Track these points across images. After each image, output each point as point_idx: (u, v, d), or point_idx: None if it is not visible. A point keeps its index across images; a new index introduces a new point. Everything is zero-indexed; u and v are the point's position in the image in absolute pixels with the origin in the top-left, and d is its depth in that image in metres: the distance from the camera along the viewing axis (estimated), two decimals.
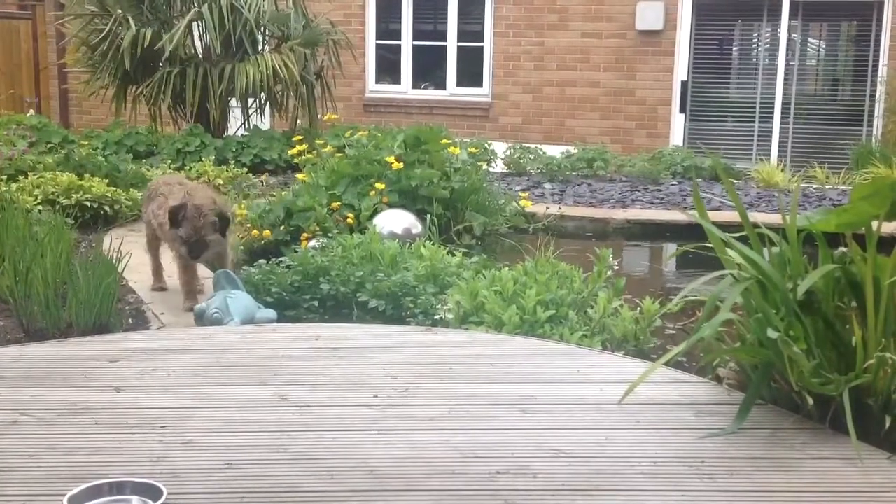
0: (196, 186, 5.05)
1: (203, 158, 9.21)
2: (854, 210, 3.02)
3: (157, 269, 5.16)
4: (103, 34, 10.10)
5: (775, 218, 6.62)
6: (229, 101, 10.59)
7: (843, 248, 3.10)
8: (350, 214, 6.49)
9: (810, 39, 11.50)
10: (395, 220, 6.39)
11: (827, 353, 2.98)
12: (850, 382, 2.81)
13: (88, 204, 6.82)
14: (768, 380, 3.04)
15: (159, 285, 5.13)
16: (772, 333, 2.88)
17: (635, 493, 2.46)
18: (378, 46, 12.40)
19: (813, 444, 2.79)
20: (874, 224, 3.03)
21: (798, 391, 2.93)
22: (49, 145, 9.79)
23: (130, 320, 4.52)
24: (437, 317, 4.55)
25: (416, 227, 6.39)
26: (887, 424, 2.81)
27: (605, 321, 4.38)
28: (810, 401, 2.88)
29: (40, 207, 6.60)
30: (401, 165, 6.79)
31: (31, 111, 12.18)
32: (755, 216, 5.61)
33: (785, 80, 11.07)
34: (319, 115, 10.59)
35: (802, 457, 2.71)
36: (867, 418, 2.84)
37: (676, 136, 11.32)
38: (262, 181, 8.65)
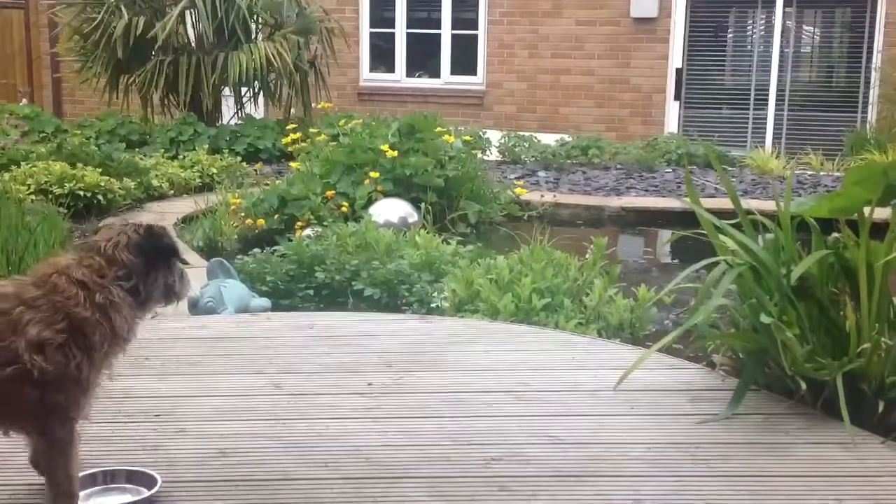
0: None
1: (196, 147, 9.17)
2: (847, 195, 3.03)
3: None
4: (95, 23, 10.04)
5: (770, 205, 6.60)
6: (222, 89, 10.54)
7: (836, 234, 3.10)
8: (344, 203, 6.48)
9: (805, 27, 11.48)
10: (391, 209, 6.39)
11: (820, 338, 2.99)
12: (843, 367, 2.82)
13: (81, 193, 6.79)
14: (762, 365, 3.05)
15: None
16: (765, 318, 2.88)
17: (630, 479, 2.47)
18: (372, 34, 12.34)
19: (807, 429, 2.80)
20: (867, 210, 3.04)
21: (792, 376, 2.93)
22: (42, 135, 9.74)
23: None
24: (432, 305, 4.54)
25: (412, 216, 6.39)
26: (881, 409, 2.82)
27: (601, 309, 4.38)
28: (804, 386, 2.88)
29: (33, 197, 6.57)
30: (395, 154, 6.78)
31: (24, 101, 12.12)
32: (750, 203, 5.60)
33: (779, 67, 11.04)
34: (313, 104, 10.54)
35: (796, 441, 2.72)
36: (860, 403, 2.85)
37: (671, 123, 11.30)
38: (255, 170, 8.62)
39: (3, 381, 1.95)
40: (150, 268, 2.15)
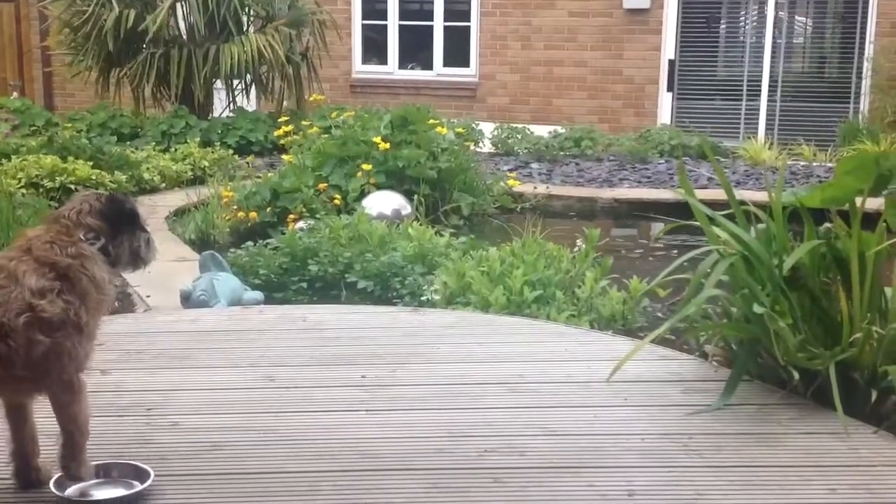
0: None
1: (188, 140, 9.14)
2: (839, 185, 3.03)
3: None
4: (86, 16, 10.00)
5: (762, 196, 6.61)
6: (214, 82, 10.50)
7: (828, 224, 3.11)
8: (337, 195, 6.47)
9: (797, 17, 11.46)
10: (383, 202, 6.37)
11: (813, 327, 2.99)
12: (836, 357, 2.82)
13: (72, 187, 6.76)
14: (755, 356, 3.05)
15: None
16: (758, 309, 2.89)
17: (623, 470, 2.47)
18: (364, 26, 12.30)
19: (799, 419, 2.80)
20: (858, 200, 3.04)
21: (784, 366, 2.94)
22: (32, 128, 9.69)
23: (116, 303, 4.50)
24: (423, 298, 4.54)
25: (406, 208, 6.37)
26: (873, 398, 2.83)
27: (593, 301, 4.38)
28: (796, 376, 2.89)
29: (24, 191, 6.55)
30: (388, 146, 6.76)
31: (15, 94, 12.06)
32: (742, 194, 5.60)
33: (772, 57, 11.04)
34: (305, 96, 10.52)
35: (789, 432, 2.72)
36: (853, 392, 2.85)
37: (664, 114, 11.29)
38: (247, 163, 8.60)
39: (20, 331, 2.05)
40: (116, 231, 2.28)
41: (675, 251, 6.47)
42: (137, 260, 2.36)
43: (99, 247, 2.23)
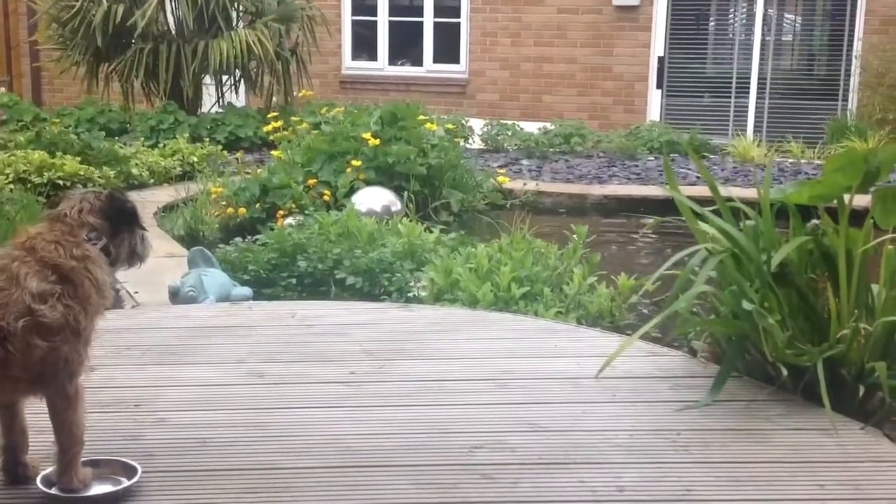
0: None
1: (177, 136, 9.10)
2: (827, 182, 3.04)
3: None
4: (74, 10, 9.94)
5: (751, 192, 6.62)
6: (203, 77, 10.46)
7: (815, 221, 3.12)
8: (326, 191, 6.45)
9: (786, 14, 11.50)
10: (373, 198, 6.36)
11: (800, 324, 3.00)
12: (823, 353, 2.83)
13: (61, 182, 6.72)
14: (743, 352, 3.06)
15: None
16: (746, 305, 2.89)
17: (612, 466, 2.48)
18: (354, 22, 12.27)
19: (788, 415, 2.81)
20: (846, 196, 3.05)
21: (772, 363, 2.94)
22: (20, 123, 9.63)
23: None
24: (411, 294, 4.54)
25: (396, 204, 6.36)
26: (860, 394, 2.84)
27: (581, 297, 4.38)
28: (784, 372, 2.89)
29: (12, 186, 6.50)
30: (377, 142, 6.75)
31: (2, 89, 11.99)
32: (731, 191, 5.62)
33: (761, 55, 11.07)
34: (295, 92, 10.49)
35: (777, 428, 2.73)
36: (841, 389, 2.86)
37: (653, 112, 11.31)
38: (237, 158, 8.56)
39: (19, 335, 2.03)
40: (117, 230, 2.25)
41: (669, 249, 6.49)
42: (135, 257, 2.34)
43: (101, 247, 2.20)
